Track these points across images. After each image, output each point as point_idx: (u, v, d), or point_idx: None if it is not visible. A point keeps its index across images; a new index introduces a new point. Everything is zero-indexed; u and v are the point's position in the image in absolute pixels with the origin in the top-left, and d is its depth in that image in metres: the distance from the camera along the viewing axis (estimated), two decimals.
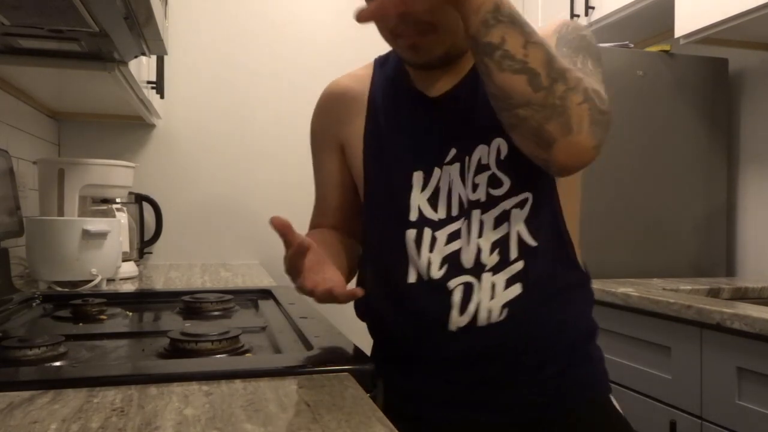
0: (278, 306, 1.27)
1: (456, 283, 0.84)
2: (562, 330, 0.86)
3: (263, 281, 1.78)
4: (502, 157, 0.85)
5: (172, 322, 1.16)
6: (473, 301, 0.83)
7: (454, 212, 0.87)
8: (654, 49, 1.96)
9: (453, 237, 0.86)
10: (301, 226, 2.85)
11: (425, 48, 0.85)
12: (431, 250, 0.86)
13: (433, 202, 0.88)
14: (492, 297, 0.83)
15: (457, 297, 0.83)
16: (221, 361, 0.82)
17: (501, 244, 0.84)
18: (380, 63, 1.00)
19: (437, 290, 0.85)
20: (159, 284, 1.71)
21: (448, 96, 0.89)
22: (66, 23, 1.11)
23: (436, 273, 0.85)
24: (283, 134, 2.55)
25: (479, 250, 0.84)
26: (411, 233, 0.88)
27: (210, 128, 2.49)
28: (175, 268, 2.16)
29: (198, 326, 1.01)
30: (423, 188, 0.88)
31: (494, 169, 0.85)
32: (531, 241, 0.84)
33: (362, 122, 0.96)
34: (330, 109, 1.02)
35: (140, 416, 0.57)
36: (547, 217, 0.86)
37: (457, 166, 0.87)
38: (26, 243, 1.52)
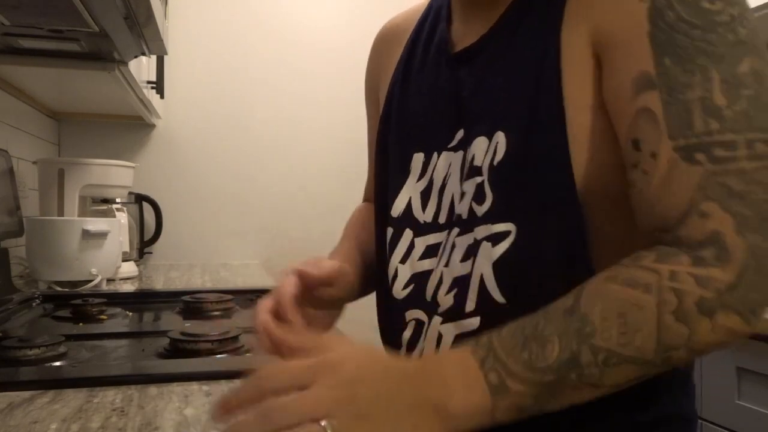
0: None
1: (410, 317, 0.65)
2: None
3: (263, 281, 1.78)
4: (496, 161, 0.58)
5: (172, 322, 1.16)
6: (418, 347, 0.64)
7: (442, 218, 0.65)
8: None
9: (431, 251, 0.65)
10: (303, 227, 2.82)
11: None
12: (404, 260, 0.67)
13: (425, 197, 0.66)
14: (437, 350, 0.61)
15: (407, 334, 0.65)
16: (221, 361, 0.82)
17: (459, 285, 0.61)
18: None
19: (396, 314, 0.67)
20: (159, 284, 1.71)
21: (469, 52, 0.64)
22: (66, 23, 1.11)
23: (400, 292, 0.67)
24: (283, 134, 2.55)
25: (440, 283, 0.63)
26: (389, 232, 0.69)
27: (210, 128, 2.49)
28: (175, 268, 2.16)
29: (198, 326, 1.01)
30: (420, 177, 0.67)
31: (485, 175, 0.59)
32: (497, 296, 0.57)
33: (393, 73, 0.75)
34: (373, 55, 0.83)
35: (140, 416, 0.57)
36: (537, 269, 0.56)
37: (460, 155, 0.63)
38: (26, 243, 1.52)
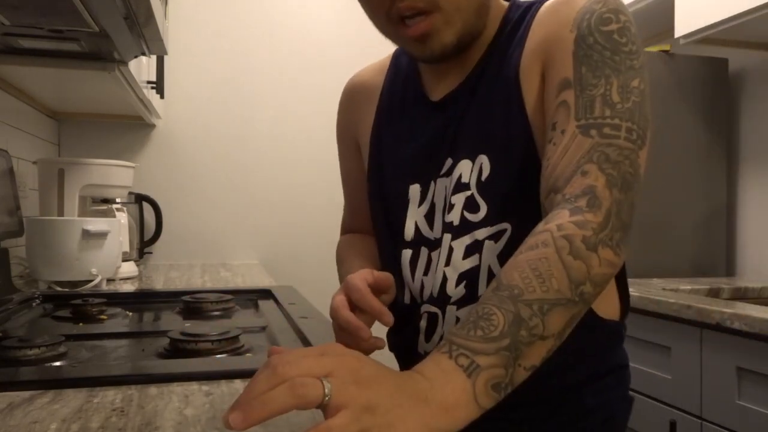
0: (278, 306, 1.27)
1: (423, 311, 0.79)
2: (539, 378, 0.58)
3: (263, 281, 1.78)
4: (483, 177, 0.74)
5: (172, 322, 1.16)
6: (437, 331, 0.77)
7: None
8: (654, 49, 1.96)
9: None
10: (302, 227, 2.83)
11: (434, 35, 0.71)
12: (426, 272, 0.79)
13: (429, 218, 0.80)
14: None
15: (423, 323, 0.79)
16: (221, 361, 0.82)
17: (468, 278, 0.75)
18: (401, 52, 0.90)
19: (410, 312, 0.80)
20: (159, 284, 1.71)
21: (448, 99, 0.80)
22: (66, 23, 1.11)
23: (428, 296, 0.79)
24: (283, 134, 2.55)
25: (445, 279, 0.76)
26: (407, 254, 0.81)
27: (210, 128, 2.49)
28: (175, 268, 2.16)
29: (198, 326, 1.01)
30: (420, 203, 0.81)
31: (474, 189, 0.74)
32: None
33: (371, 119, 0.89)
34: (347, 105, 0.96)
35: (140, 416, 0.57)
36: None
37: (450, 178, 0.78)
38: (26, 243, 1.52)
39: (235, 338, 0.88)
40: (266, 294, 1.43)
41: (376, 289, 0.73)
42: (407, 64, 0.88)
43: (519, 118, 0.72)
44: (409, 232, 0.81)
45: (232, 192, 2.51)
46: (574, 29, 0.69)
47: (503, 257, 0.72)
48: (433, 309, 0.78)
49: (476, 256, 0.74)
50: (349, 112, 0.95)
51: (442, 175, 0.78)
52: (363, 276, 0.72)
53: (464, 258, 0.75)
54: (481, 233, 0.74)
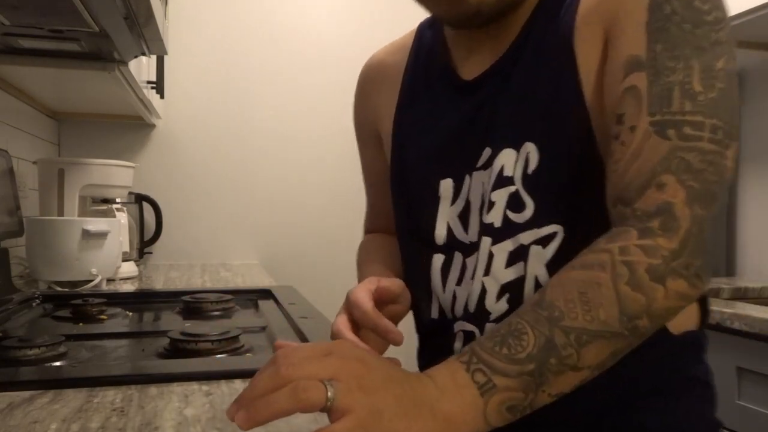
0: (278, 306, 1.27)
1: (458, 329, 0.68)
2: (582, 392, 0.52)
3: (263, 281, 1.78)
4: (530, 170, 0.62)
5: (172, 322, 1.16)
6: None
7: None
8: None
9: None
10: (302, 227, 2.82)
11: None
12: (459, 281, 0.68)
13: (464, 219, 0.68)
14: None
15: (458, 345, 0.68)
16: (221, 361, 0.82)
17: (511, 290, 0.63)
18: (426, 26, 0.79)
19: (443, 329, 0.70)
20: (159, 284, 1.71)
21: (485, 78, 0.67)
22: (66, 23, 1.11)
23: (461, 313, 0.68)
24: (283, 134, 2.55)
25: (484, 291, 0.65)
26: (438, 259, 0.71)
27: (210, 128, 2.49)
28: (175, 268, 2.16)
29: (198, 326, 1.01)
30: (453, 201, 0.69)
31: (519, 184, 0.62)
32: None
33: (393, 104, 0.77)
34: (363, 91, 0.85)
35: (140, 416, 0.57)
36: None
37: (489, 171, 0.66)
38: (26, 243, 1.52)
39: (235, 338, 0.88)
40: (266, 294, 1.43)
41: (383, 301, 0.66)
42: (433, 38, 0.75)
43: (573, 96, 0.60)
44: (440, 234, 0.70)
45: (232, 192, 2.50)
46: None
47: (552, 267, 0.61)
48: (470, 327, 0.66)
49: (521, 264, 0.62)
50: (366, 98, 0.84)
51: (479, 168, 0.67)
52: (366, 287, 0.65)
53: (507, 266, 0.63)
54: (526, 237, 0.62)
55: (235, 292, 1.40)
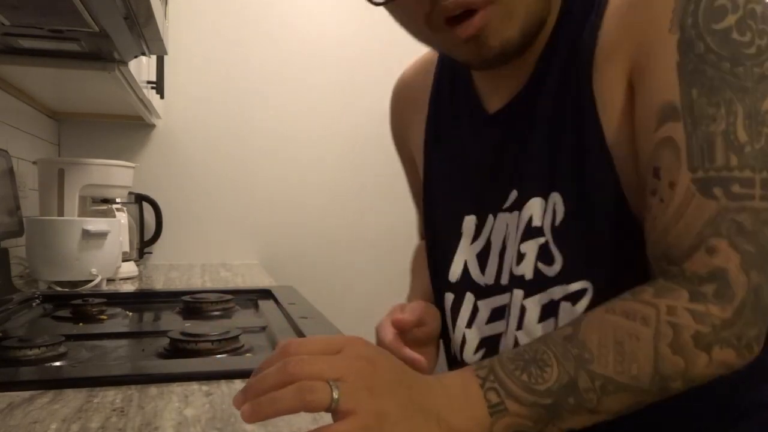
0: (278, 306, 1.27)
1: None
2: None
3: (263, 281, 1.78)
4: (557, 222, 0.59)
5: (172, 322, 1.16)
6: None
7: (504, 280, 0.64)
8: None
9: (498, 314, 0.64)
10: (302, 227, 2.81)
11: (491, 33, 0.55)
12: (469, 324, 0.67)
13: (482, 259, 0.66)
14: None
15: None
16: (221, 361, 0.82)
17: None
18: None
19: None
20: (159, 284, 1.71)
21: (509, 109, 0.64)
22: (66, 23, 1.11)
23: (471, 357, 0.66)
24: (283, 134, 2.55)
25: (517, 346, 0.60)
26: (449, 298, 0.69)
27: (210, 128, 2.49)
28: (175, 268, 2.16)
29: (198, 326, 1.01)
30: (474, 239, 0.67)
31: (548, 236, 0.59)
32: None
33: (422, 131, 0.75)
34: (395, 111, 0.84)
35: (140, 416, 0.57)
36: None
37: (515, 215, 0.62)
38: (26, 243, 1.52)
39: (235, 338, 0.88)
40: (266, 294, 1.43)
41: (403, 331, 0.66)
42: (454, 64, 0.72)
43: (595, 143, 0.56)
44: (455, 272, 0.68)
45: (232, 192, 2.50)
46: (675, 28, 0.51)
47: None
48: None
49: (552, 320, 0.59)
50: (399, 117, 0.83)
51: (504, 210, 0.64)
52: (388, 320, 0.66)
53: (540, 321, 0.60)
54: (557, 292, 0.59)
55: (235, 292, 1.39)
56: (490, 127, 0.66)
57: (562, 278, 0.59)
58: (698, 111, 0.49)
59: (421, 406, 0.44)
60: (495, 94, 0.66)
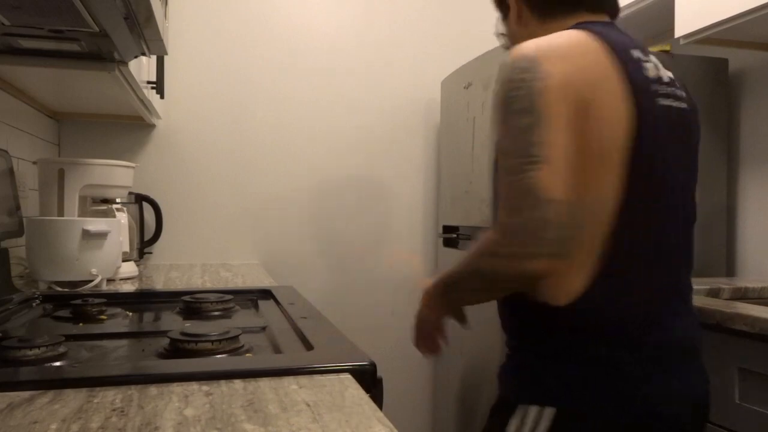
0: (278, 306, 1.27)
1: None
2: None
3: (263, 281, 1.78)
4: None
5: (172, 322, 1.16)
6: None
7: None
8: (654, 49, 1.96)
9: None
10: (302, 227, 2.80)
11: None
12: None
13: None
14: None
15: None
16: (221, 361, 0.82)
17: None
18: None
19: None
20: (159, 284, 1.71)
21: None
22: (66, 23, 1.11)
23: None
24: (283, 133, 2.55)
25: None
26: None
27: (210, 128, 2.49)
28: (175, 268, 2.16)
29: (198, 326, 1.01)
30: None
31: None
32: None
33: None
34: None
35: (140, 416, 0.57)
36: None
37: None
38: (26, 243, 1.52)
39: (235, 338, 0.88)
40: (266, 294, 1.43)
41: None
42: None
43: None
44: None
45: (233, 192, 2.51)
46: None
47: None
48: None
49: None
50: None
51: None
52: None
53: None
54: None
55: (235, 293, 1.40)
56: None
57: None
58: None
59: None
60: None
